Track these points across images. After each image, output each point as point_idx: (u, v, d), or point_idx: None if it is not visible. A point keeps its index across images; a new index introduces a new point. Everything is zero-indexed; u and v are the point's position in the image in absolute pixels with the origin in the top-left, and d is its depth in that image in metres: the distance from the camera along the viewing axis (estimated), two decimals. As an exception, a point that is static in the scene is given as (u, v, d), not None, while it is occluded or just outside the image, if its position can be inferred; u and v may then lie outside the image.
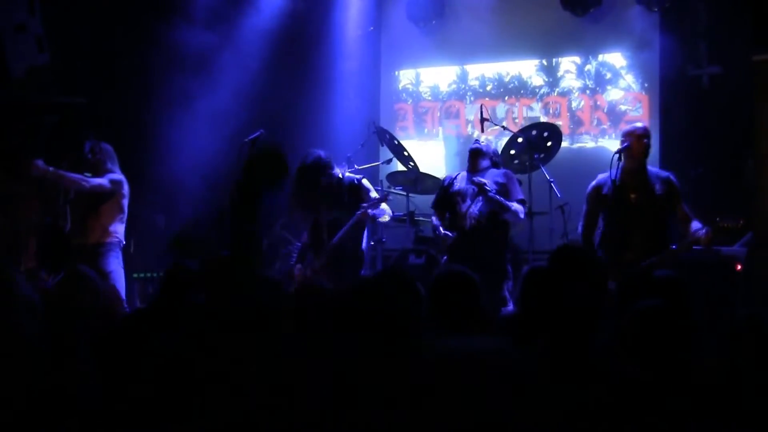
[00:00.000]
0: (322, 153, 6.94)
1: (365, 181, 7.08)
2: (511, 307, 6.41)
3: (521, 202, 6.69)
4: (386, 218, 7.15)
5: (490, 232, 6.62)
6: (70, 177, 6.82)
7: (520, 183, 7.05)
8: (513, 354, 2.29)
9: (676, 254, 5.83)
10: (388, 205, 7.11)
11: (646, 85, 9.53)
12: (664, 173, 6.24)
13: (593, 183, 6.32)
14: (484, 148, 6.87)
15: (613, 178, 6.02)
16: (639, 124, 6.40)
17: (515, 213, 6.59)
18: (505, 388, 2.08)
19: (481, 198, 6.62)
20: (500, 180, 6.71)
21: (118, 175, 7.08)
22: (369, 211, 6.77)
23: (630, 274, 5.72)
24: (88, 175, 6.96)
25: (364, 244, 7.17)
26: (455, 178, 6.95)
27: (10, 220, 7.16)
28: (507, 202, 6.57)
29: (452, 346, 2.37)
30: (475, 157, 6.83)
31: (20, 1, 8.27)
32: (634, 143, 6.06)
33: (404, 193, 8.70)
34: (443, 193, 6.97)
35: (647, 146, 6.09)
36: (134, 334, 3.24)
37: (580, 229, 6.36)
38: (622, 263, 5.81)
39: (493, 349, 2.11)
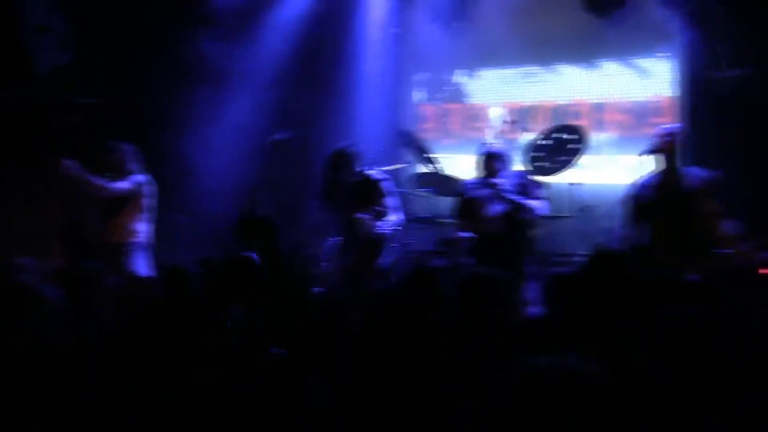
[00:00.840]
0: (347, 146, 7.00)
1: (386, 184, 7.04)
2: (532, 309, 6.38)
3: (542, 199, 6.67)
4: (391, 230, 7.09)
5: (508, 234, 6.59)
6: (93, 182, 6.85)
7: (539, 185, 7.01)
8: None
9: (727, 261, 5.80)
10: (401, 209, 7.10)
11: (670, 87, 9.45)
12: (701, 171, 6.19)
13: (631, 185, 6.29)
14: (498, 151, 6.85)
15: (638, 180, 6.01)
16: (667, 126, 6.36)
17: (533, 209, 6.56)
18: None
19: (498, 201, 6.59)
20: (518, 181, 6.70)
21: (140, 176, 7.10)
22: (378, 227, 6.77)
23: (660, 278, 5.72)
24: (110, 176, 6.98)
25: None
26: (473, 183, 6.92)
27: (34, 219, 7.19)
28: (523, 200, 6.54)
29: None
30: (490, 160, 6.81)
31: (44, 2, 8.30)
32: (663, 145, 6.03)
33: (427, 195, 8.68)
34: (462, 198, 6.95)
35: (674, 146, 6.04)
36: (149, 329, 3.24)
37: (621, 232, 6.33)
38: (659, 264, 5.78)
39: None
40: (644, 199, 6.09)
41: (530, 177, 6.87)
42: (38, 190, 7.36)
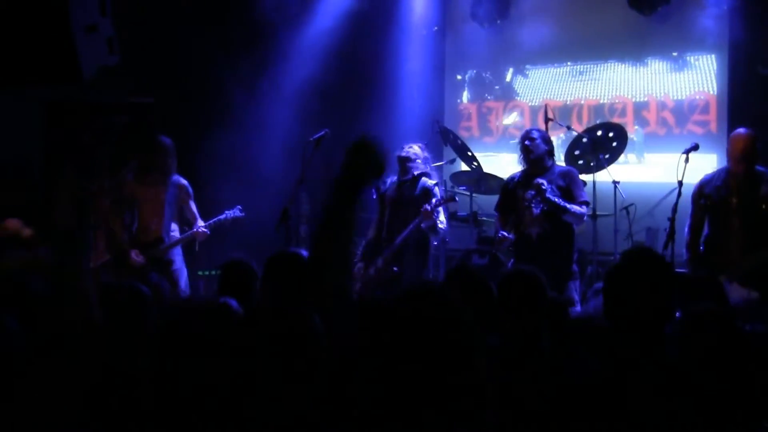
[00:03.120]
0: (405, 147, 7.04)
1: (437, 190, 7.06)
2: (579, 307, 6.37)
3: (584, 203, 6.61)
4: (441, 226, 7.07)
5: (551, 233, 6.56)
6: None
7: (584, 184, 6.97)
8: None
9: None
10: (450, 207, 7.09)
11: (714, 84, 9.36)
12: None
13: (697, 183, 6.24)
14: (537, 148, 6.69)
15: (679, 179, 5.99)
16: (741, 129, 6.25)
17: (575, 214, 6.49)
18: None
19: (538, 202, 6.54)
20: (561, 183, 6.59)
21: (178, 177, 7.21)
22: (432, 213, 6.75)
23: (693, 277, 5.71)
24: (154, 176, 7.09)
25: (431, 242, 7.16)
26: (517, 178, 6.88)
27: (82, 219, 7.30)
28: (566, 204, 6.46)
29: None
30: (528, 155, 6.72)
31: (91, 2, 8.41)
32: (732, 145, 5.95)
33: (468, 193, 8.70)
34: (505, 194, 6.93)
35: (744, 150, 5.95)
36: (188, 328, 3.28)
37: (686, 230, 6.28)
38: (723, 265, 5.75)
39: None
40: (708, 197, 6.02)
41: (575, 175, 6.76)
42: (86, 189, 7.45)
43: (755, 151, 5.98)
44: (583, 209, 6.54)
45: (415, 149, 7.08)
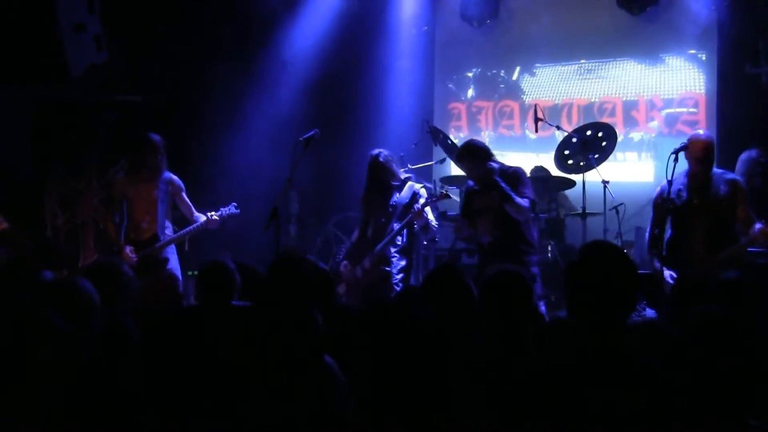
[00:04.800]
0: (384, 153, 7.05)
1: (424, 191, 7.09)
2: (543, 308, 6.41)
3: (526, 198, 6.51)
4: (435, 224, 7.11)
5: (502, 240, 6.53)
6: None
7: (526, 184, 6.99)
8: None
9: (742, 249, 5.83)
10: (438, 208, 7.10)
11: (703, 84, 9.38)
12: (730, 175, 6.23)
13: (658, 188, 6.30)
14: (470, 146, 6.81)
15: (668, 178, 6.01)
16: (701, 131, 6.34)
17: (516, 204, 6.41)
18: None
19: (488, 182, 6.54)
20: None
21: (169, 174, 7.18)
22: (421, 213, 6.77)
23: (689, 277, 5.73)
24: (144, 173, 7.06)
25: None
26: (472, 185, 6.87)
27: (71, 216, 7.28)
28: (511, 192, 6.42)
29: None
30: (465, 157, 6.77)
31: (80, 1, 8.38)
32: (692, 147, 6.03)
33: (457, 194, 8.70)
34: (465, 200, 6.94)
35: (704, 152, 6.03)
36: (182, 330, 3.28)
37: (647, 234, 6.33)
38: (685, 266, 5.82)
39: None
40: (669, 200, 6.10)
41: (521, 174, 6.70)
42: (75, 188, 7.43)
43: (713, 153, 6.08)
44: (524, 202, 6.46)
45: (388, 154, 7.14)
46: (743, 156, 7.51)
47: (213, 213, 7.07)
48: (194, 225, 7.12)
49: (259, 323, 2.96)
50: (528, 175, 8.36)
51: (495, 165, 6.62)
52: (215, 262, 4.47)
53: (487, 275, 3.85)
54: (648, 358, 2.93)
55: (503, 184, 6.46)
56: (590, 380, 2.82)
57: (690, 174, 6.13)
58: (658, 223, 6.27)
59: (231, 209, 7.17)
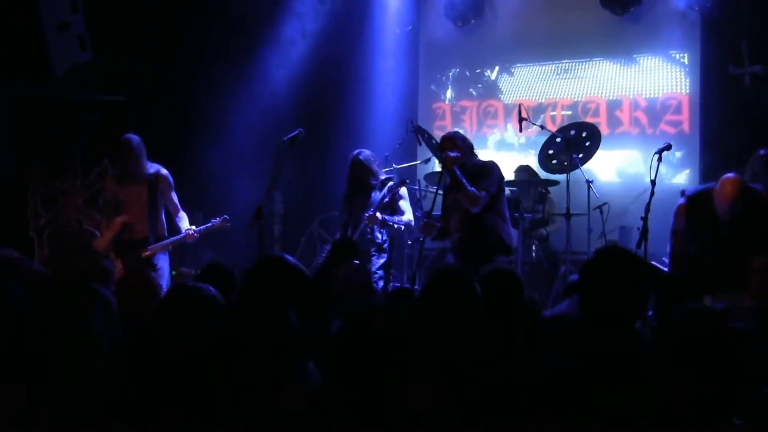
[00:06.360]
0: (365, 153, 7.08)
1: (404, 191, 7.12)
2: None
3: (484, 190, 6.42)
4: (402, 227, 7.14)
5: (470, 237, 6.54)
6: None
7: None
8: None
9: None
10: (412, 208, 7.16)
11: (686, 84, 9.41)
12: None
13: (679, 204, 6.05)
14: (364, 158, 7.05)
15: (652, 178, 6.01)
16: (729, 175, 5.80)
17: (469, 194, 6.36)
18: None
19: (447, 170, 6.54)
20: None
21: (155, 167, 7.15)
22: (379, 216, 6.82)
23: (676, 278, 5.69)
24: (125, 172, 7.03)
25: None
26: (448, 184, 6.84)
27: (54, 216, 7.25)
28: (465, 182, 6.38)
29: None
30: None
31: (63, 0, 8.34)
32: (719, 190, 5.72)
33: (441, 192, 8.69)
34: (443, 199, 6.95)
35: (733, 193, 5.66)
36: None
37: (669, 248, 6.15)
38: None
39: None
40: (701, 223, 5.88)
41: (490, 167, 6.62)
42: (58, 187, 7.42)
43: (744, 194, 5.69)
44: (481, 194, 6.38)
45: (369, 154, 7.16)
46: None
47: (193, 228, 7.06)
48: (176, 237, 7.10)
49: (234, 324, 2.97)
50: (514, 174, 8.41)
51: (477, 161, 6.64)
52: (215, 262, 4.51)
53: (480, 275, 3.85)
54: (640, 359, 2.94)
55: (458, 173, 6.41)
56: (590, 381, 2.82)
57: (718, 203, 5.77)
58: (678, 242, 5.99)
59: (215, 223, 7.15)
